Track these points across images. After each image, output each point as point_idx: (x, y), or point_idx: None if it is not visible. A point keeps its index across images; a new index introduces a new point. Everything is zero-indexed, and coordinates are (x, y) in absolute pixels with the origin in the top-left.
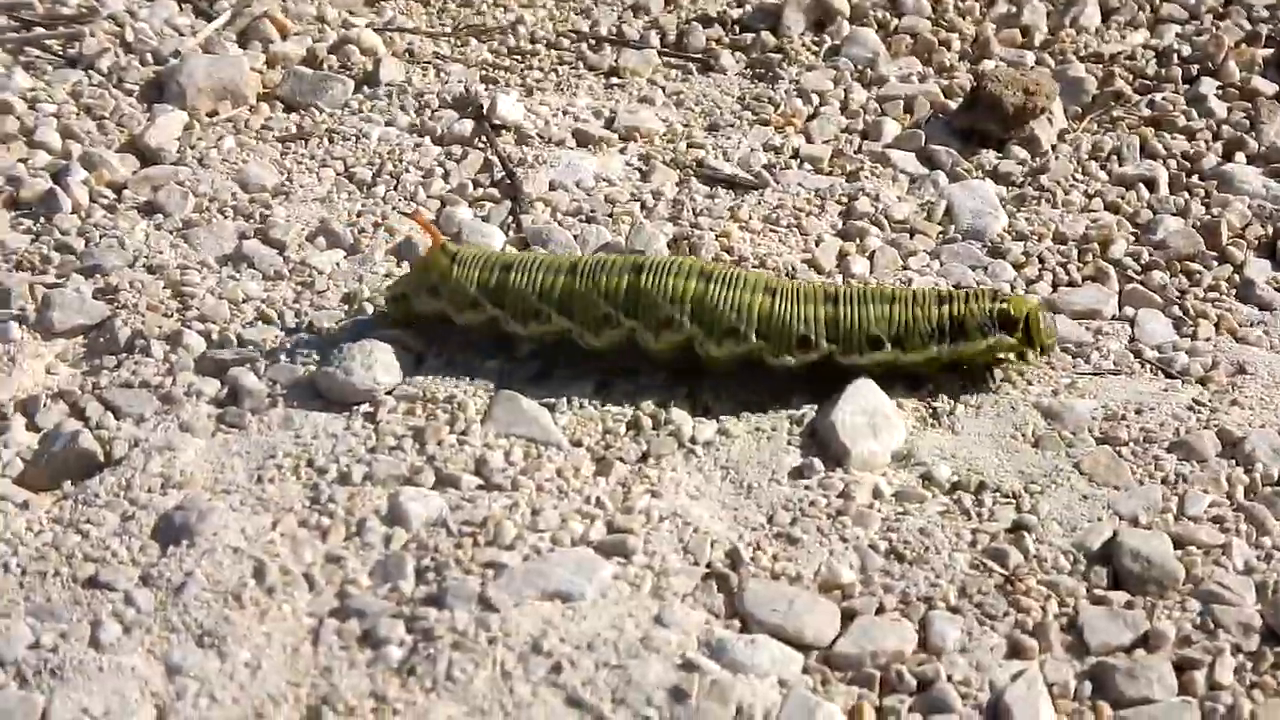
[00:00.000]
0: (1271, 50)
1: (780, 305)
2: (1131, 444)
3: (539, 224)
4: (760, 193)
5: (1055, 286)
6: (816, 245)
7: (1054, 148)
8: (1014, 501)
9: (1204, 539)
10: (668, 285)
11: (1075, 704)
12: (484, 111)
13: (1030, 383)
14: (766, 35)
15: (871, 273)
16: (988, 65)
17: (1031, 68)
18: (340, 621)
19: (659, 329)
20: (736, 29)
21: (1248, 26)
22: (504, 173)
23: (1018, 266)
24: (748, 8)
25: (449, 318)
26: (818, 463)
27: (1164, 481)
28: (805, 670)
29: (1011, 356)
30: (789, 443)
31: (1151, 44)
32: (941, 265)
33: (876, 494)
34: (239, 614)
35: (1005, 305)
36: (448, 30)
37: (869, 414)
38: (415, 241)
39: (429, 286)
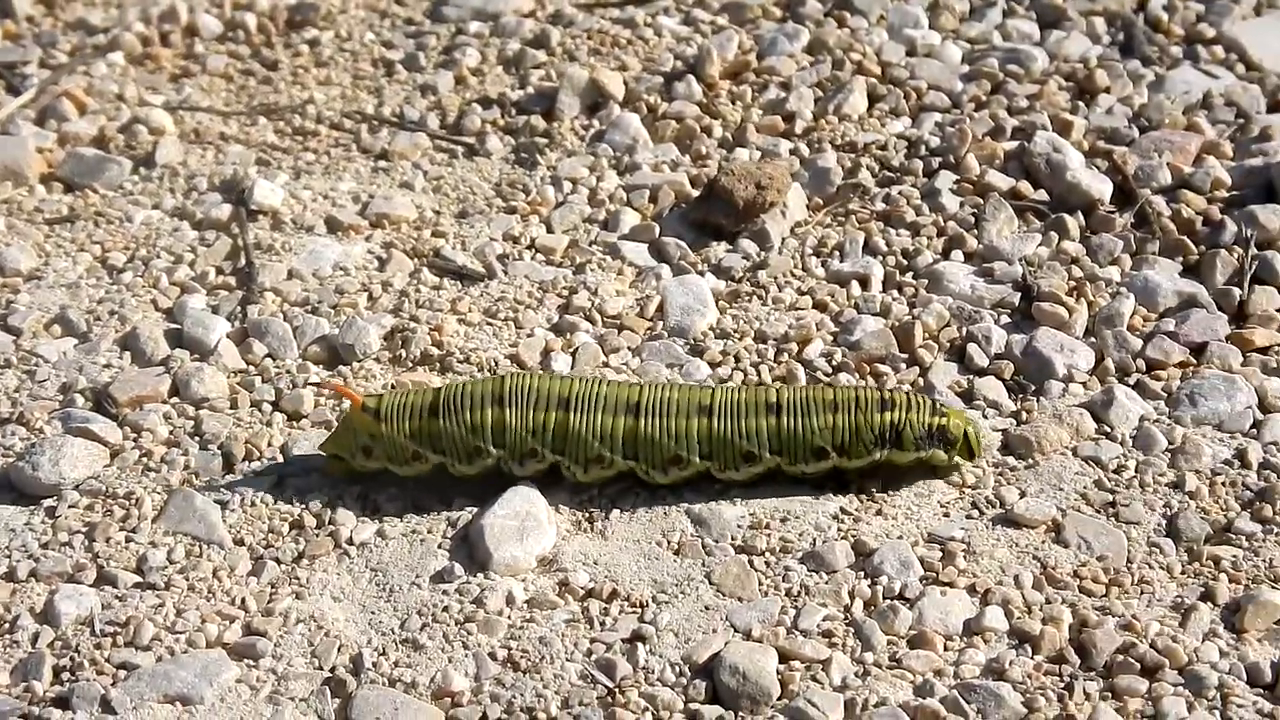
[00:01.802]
0: (1015, 144)
1: (719, 424)
2: (767, 554)
3: (264, 315)
4: (486, 284)
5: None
6: (528, 338)
7: (784, 241)
8: (639, 611)
9: (808, 654)
10: (597, 424)
11: None
12: (242, 196)
13: (681, 492)
14: (538, 119)
15: (573, 367)
16: (739, 154)
17: (766, 160)
18: None
19: (588, 464)
20: (513, 111)
21: (1003, 117)
22: (245, 261)
23: (713, 365)
24: (529, 89)
25: (390, 471)
26: (459, 567)
27: (788, 594)
28: None
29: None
30: (440, 546)
31: (907, 134)
32: (641, 362)
33: (510, 600)
34: None
35: (944, 421)
36: (242, 109)
37: (520, 518)
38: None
39: (362, 447)
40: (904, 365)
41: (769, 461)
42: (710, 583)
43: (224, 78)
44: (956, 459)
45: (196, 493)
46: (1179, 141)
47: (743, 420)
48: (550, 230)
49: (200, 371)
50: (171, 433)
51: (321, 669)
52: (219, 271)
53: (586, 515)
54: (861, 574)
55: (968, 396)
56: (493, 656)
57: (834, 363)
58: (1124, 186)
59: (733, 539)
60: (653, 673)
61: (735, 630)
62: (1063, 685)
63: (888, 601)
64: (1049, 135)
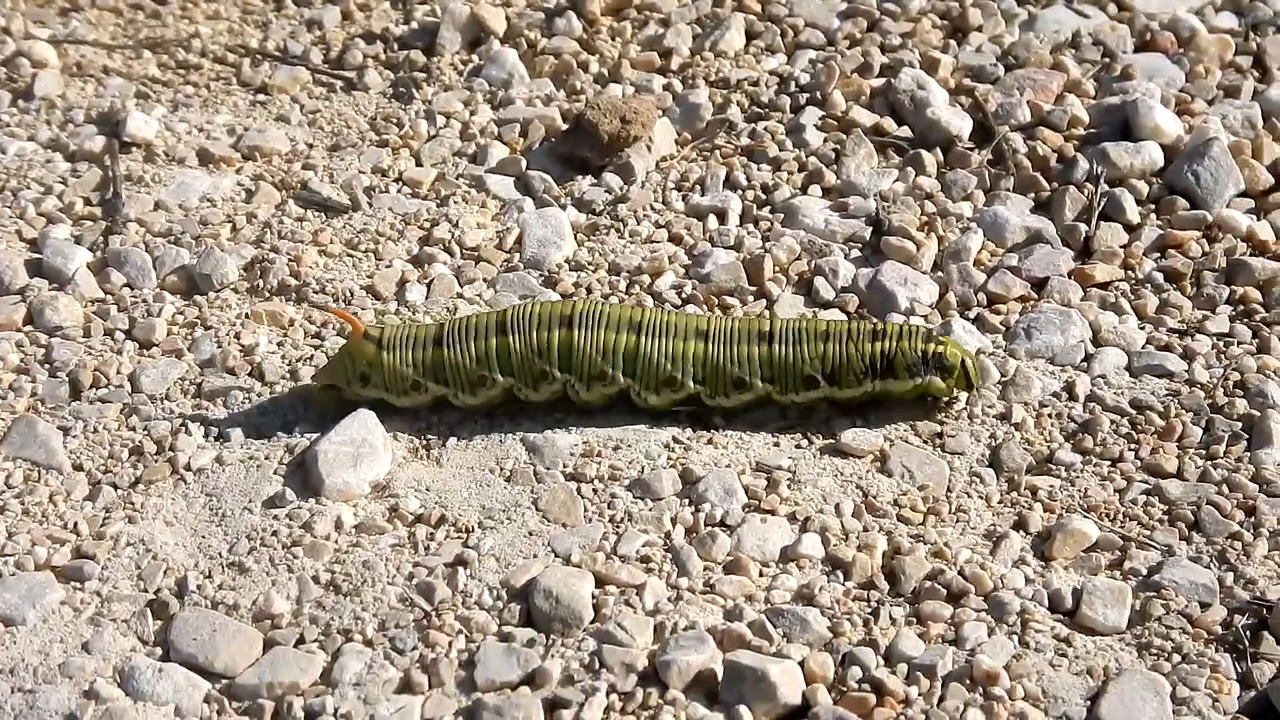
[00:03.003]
0: (882, 80)
1: (713, 349)
2: (595, 481)
3: (125, 246)
4: (350, 216)
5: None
6: (386, 269)
7: (648, 176)
8: (464, 536)
9: (624, 579)
10: (600, 341)
11: None
12: (116, 128)
13: (520, 420)
14: (419, 54)
15: (427, 299)
16: (612, 90)
17: (634, 96)
18: None
19: (591, 383)
20: (395, 46)
21: (874, 54)
22: (113, 192)
23: (565, 296)
24: (413, 24)
25: (386, 402)
26: (291, 493)
27: (611, 520)
28: (206, 699)
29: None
30: (275, 472)
31: (780, 70)
32: (495, 294)
33: (338, 525)
34: None
35: (939, 349)
36: (128, 42)
37: (355, 444)
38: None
39: (360, 375)
40: (751, 298)
41: (760, 390)
42: (537, 509)
43: (113, 12)
44: (955, 389)
45: (39, 419)
46: (1042, 80)
47: (736, 346)
48: (419, 163)
49: (55, 300)
50: (22, 360)
51: (146, 591)
52: (86, 203)
53: (424, 442)
54: (686, 501)
55: None
56: (316, 580)
57: (683, 295)
58: (984, 124)
59: (564, 466)
60: (470, 596)
61: (556, 556)
62: (869, 611)
63: (709, 529)
64: (915, 73)
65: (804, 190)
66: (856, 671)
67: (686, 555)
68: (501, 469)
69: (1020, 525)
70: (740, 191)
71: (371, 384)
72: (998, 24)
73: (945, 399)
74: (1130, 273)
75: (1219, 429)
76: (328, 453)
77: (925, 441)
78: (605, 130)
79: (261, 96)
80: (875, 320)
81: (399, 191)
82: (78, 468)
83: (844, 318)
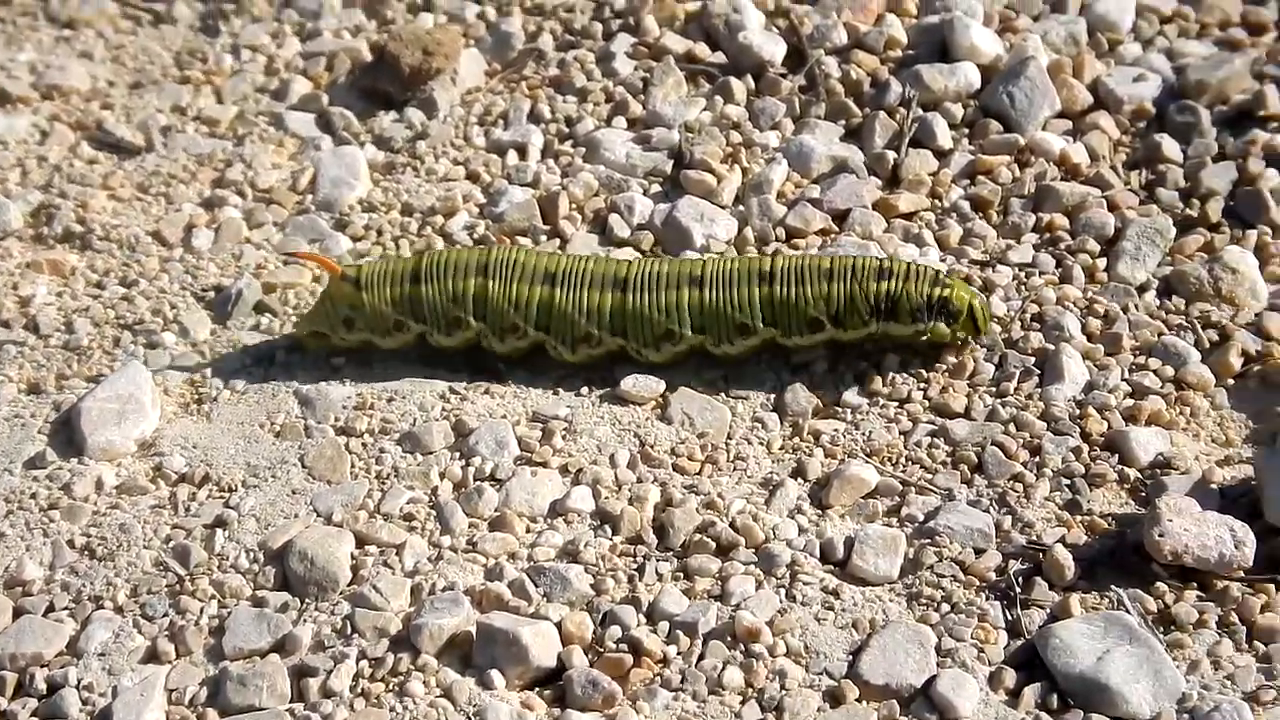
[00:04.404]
0: (699, 4)
1: (711, 295)
2: (365, 435)
3: None
4: (143, 158)
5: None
6: (175, 214)
7: (451, 110)
8: (226, 496)
9: (385, 538)
10: (583, 300)
11: (190, 710)
12: None
13: (295, 372)
14: None
15: (215, 244)
16: (424, 20)
17: (438, 26)
18: None
19: (575, 344)
20: None
21: None
22: None
23: (355, 239)
24: None
25: (373, 344)
26: (53, 453)
27: (378, 476)
28: None
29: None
30: (40, 431)
31: None
32: (285, 236)
33: (99, 486)
34: None
35: (946, 293)
36: None
37: (122, 401)
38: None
39: (343, 319)
40: (545, 237)
41: (764, 333)
42: (303, 466)
43: None
44: (960, 334)
45: None
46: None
47: (735, 290)
48: (220, 100)
49: None
50: None
51: None
52: None
53: (196, 396)
54: (457, 455)
55: None
56: (71, 544)
57: (475, 235)
58: (799, 47)
59: (335, 420)
60: (227, 559)
61: (318, 515)
62: (635, 566)
63: (477, 483)
64: None
65: (609, 122)
66: (616, 631)
67: (451, 512)
68: (272, 424)
69: (799, 472)
70: (543, 125)
71: (356, 328)
72: None
73: (949, 343)
74: (937, 201)
75: (1011, 365)
76: (91, 410)
77: (709, 386)
78: (407, 63)
79: (68, 31)
80: (880, 257)
81: (196, 131)
82: None
83: (849, 253)
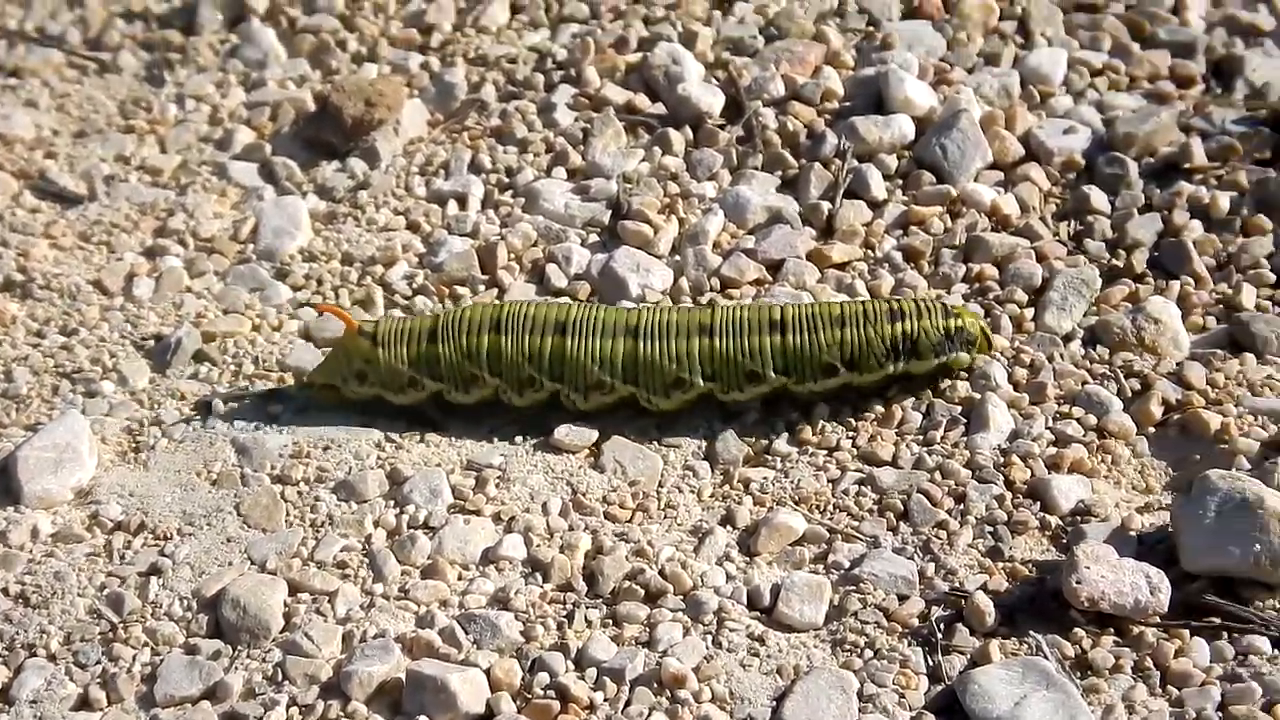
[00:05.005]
0: (639, 56)
1: (721, 343)
2: (301, 483)
3: None
4: (85, 207)
5: (320, 312)
6: (117, 263)
7: (393, 160)
8: (161, 544)
9: (318, 586)
10: (596, 348)
11: None
12: None
13: (232, 423)
14: (176, 34)
15: (156, 292)
16: (368, 70)
17: (381, 77)
18: None
19: (588, 392)
20: (155, 25)
21: (636, 28)
22: None
23: (295, 288)
24: (174, 1)
25: (384, 399)
26: None
27: (313, 524)
28: None
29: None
30: None
31: (540, 46)
32: (226, 286)
33: (35, 534)
34: None
35: (959, 322)
36: None
37: (59, 449)
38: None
39: (356, 373)
40: (483, 287)
41: (775, 381)
42: (239, 514)
43: None
44: (977, 356)
45: None
46: (800, 52)
47: (746, 338)
48: (164, 150)
49: None
50: None
51: None
52: None
53: (133, 445)
54: (392, 503)
55: None
56: (5, 592)
57: (414, 285)
58: (737, 99)
59: (271, 468)
60: (161, 607)
61: (252, 563)
62: (565, 613)
63: (410, 531)
64: (671, 47)
65: (548, 172)
66: (544, 677)
67: (384, 559)
68: (209, 472)
69: (728, 520)
70: (484, 175)
71: (368, 382)
72: None
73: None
74: (870, 251)
75: (938, 414)
76: (28, 459)
77: (641, 435)
78: (349, 114)
79: (14, 80)
80: (889, 298)
81: (139, 180)
82: None
83: (858, 297)
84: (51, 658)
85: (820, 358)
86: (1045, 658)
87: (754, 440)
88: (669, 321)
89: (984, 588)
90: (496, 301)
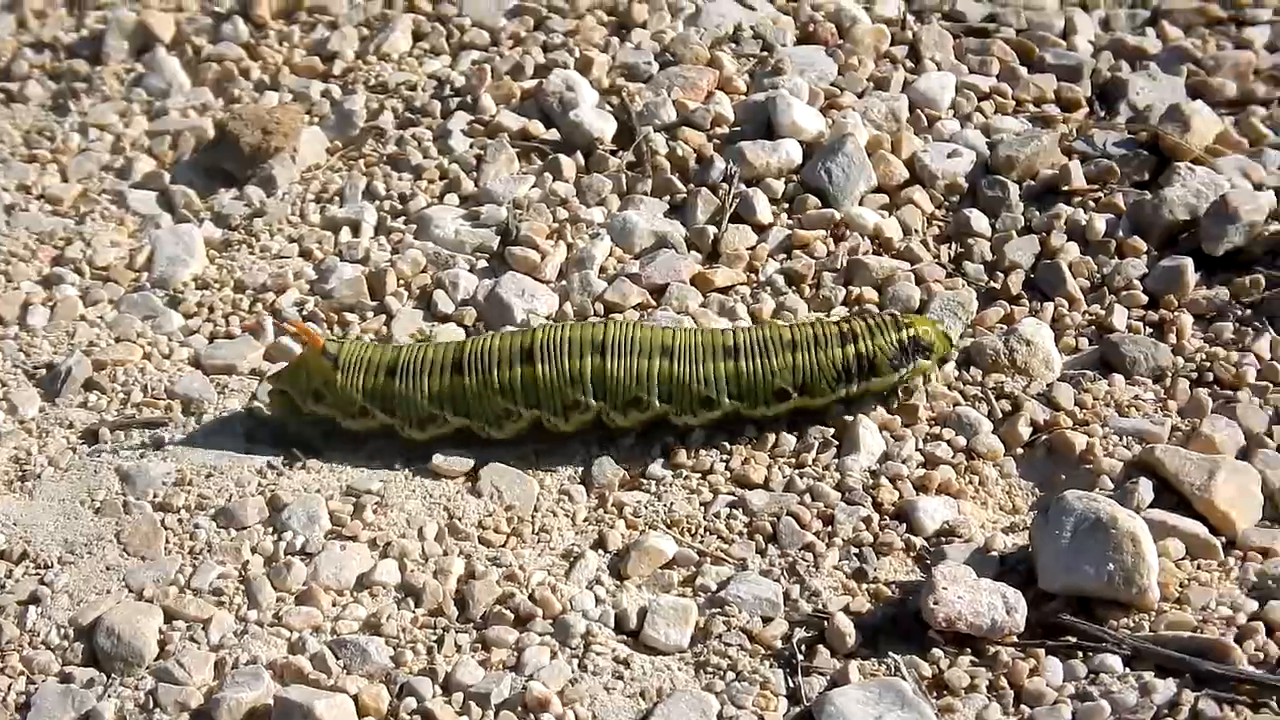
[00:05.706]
0: (535, 82)
1: (679, 367)
2: (182, 511)
3: None
4: None
5: (211, 339)
6: (14, 291)
7: (290, 187)
8: (42, 573)
9: (192, 613)
10: (565, 369)
11: None
12: None
13: (117, 451)
14: (82, 63)
15: (50, 320)
16: (269, 98)
17: (279, 105)
18: None
19: (566, 412)
20: (63, 55)
21: (534, 54)
22: None
23: (187, 316)
24: (83, 32)
25: (336, 422)
26: None
27: (191, 551)
28: None
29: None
30: None
31: (439, 73)
32: (119, 314)
33: None
34: None
35: (913, 332)
36: None
37: None
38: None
39: (313, 391)
40: (372, 313)
41: (728, 406)
42: (119, 542)
43: None
44: (939, 358)
45: None
46: (693, 77)
47: (700, 365)
48: (65, 179)
49: None
50: None
51: None
52: None
53: (20, 474)
54: (270, 530)
55: None
56: None
57: (305, 312)
58: (629, 125)
59: (154, 496)
60: (38, 635)
61: (130, 590)
62: (435, 638)
63: (287, 557)
64: (566, 74)
65: (441, 199)
66: (411, 702)
67: (259, 586)
68: (93, 500)
69: (600, 544)
70: (378, 202)
71: (323, 403)
72: (662, 18)
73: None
74: (753, 275)
75: (811, 436)
76: None
77: (520, 460)
78: (247, 141)
79: None
80: (839, 319)
81: (39, 209)
82: None
83: (810, 319)
84: None
85: (772, 383)
86: (903, 678)
87: (630, 464)
88: (634, 339)
89: (846, 609)
90: (460, 339)
